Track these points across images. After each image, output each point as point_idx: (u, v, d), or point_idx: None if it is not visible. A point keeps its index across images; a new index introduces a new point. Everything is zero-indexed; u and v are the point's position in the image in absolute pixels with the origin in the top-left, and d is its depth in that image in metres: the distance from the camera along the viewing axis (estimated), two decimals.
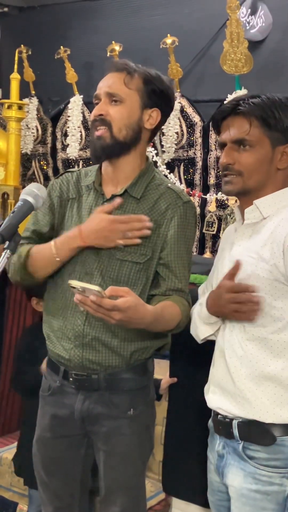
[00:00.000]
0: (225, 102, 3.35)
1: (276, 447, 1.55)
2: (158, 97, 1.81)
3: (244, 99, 1.62)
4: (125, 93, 1.76)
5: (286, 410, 1.55)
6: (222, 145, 1.67)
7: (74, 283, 1.52)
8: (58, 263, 1.80)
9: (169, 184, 1.86)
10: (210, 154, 3.53)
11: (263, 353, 1.56)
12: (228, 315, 1.62)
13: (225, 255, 1.73)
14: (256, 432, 1.57)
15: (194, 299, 1.86)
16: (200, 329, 1.75)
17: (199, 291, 1.89)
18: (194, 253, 3.59)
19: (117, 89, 1.76)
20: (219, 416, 1.66)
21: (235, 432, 1.60)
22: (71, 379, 1.82)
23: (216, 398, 1.67)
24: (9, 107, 3.85)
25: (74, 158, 4.12)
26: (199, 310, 1.74)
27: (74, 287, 1.52)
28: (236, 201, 2.98)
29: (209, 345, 1.78)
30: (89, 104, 4.05)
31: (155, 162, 3.65)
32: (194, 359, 2.31)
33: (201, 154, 3.64)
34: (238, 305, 1.56)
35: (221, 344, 1.67)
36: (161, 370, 2.61)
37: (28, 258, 1.81)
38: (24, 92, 4.13)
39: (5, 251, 1.58)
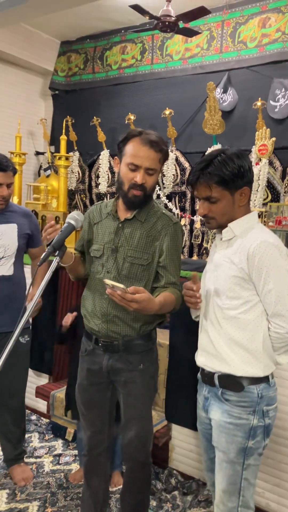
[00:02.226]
0: (206, 153, 3.37)
1: (244, 393, 1.54)
2: (166, 159, 1.79)
3: (203, 168, 1.54)
4: (158, 166, 1.73)
5: (250, 367, 1.54)
6: (198, 198, 1.65)
7: (107, 281, 1.51)
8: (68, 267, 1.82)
9: (164, 211, 1.84)
10: (195, 196, 3.52)
11: (234, 328, 1.55)
12: (187, 304, 1.67)
13: (210, 262, 1.71)
14: (230, 382, 1.56)
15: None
16: (192, 312, 1.76)
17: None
18: (186, 256, 3.61)
19: (155, 166, 1.71)
20: (205, 371, 1.65)
21: (216, 382, 1.59)
22: (100, 344, 1.82)
23: (203, 359, 1.65)
24: (60, 158, 3.88)
25: (103, 192, 4.14)
26: None
27: (107, 284, 1.51)
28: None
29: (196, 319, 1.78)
30: (113, 155, 4.05)
31: (158, 195, 3.67)
32: (186, 329, 2.31)
33: (190, 189, 3.65)
34: (187, 297, 1.63)
35: (204, 323, 1.66)
36: (164, 336, 2.61)
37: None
38: (69, 148, 4.17)
39: (55, 257, 1.59)
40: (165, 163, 1.88)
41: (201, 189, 1.57)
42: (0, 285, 2.27)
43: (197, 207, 3.59)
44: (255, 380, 1.54)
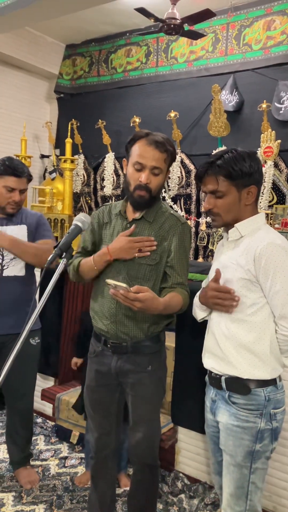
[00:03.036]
0: (211, 154, 3.38)
1: (251, 396, 1.53)
2: (173, 160, 1.79)
3: (213, 161, 1.54)
4: (163, 166, 1.73)
5: (257, 370, 1.53)
6: (204, 193, 1.64)
7: (109, 281, 1.51)
8: (96, 271, 1.80)
9: (172, 211, 1.84)
10: (202, 191, 3.53)
11: (241, 330, 1.54)
12: (212, 306, 1.61)
13: (216, 262, 1.70)
14: (237, 385, 1.55)
15: (192, 290, 1.83)
16: (197, 313, 1.74)
17: (202, 285, 1.83)
18: (191, 259, 3.61)
19: (160, 165, 1.71)
20: (212, 374, 1.64)
21: (223, 385, 1.58)
22: (109, 345, 1.81)
23: (210, 361, 1.64)
24: (65, 161, 3.90)
25: (108, 195, 4.15)
26: (196, 300, 1.72)
27: (109, 284, 1.51)
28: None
29: (203, 322, 1.76)
30: (118, 158, 4.07)
31: (164, 197, 3.67)
32: (192, 331, 2.30)
33: (195, 191, 3.66)
34: (220, 300, 1.55)
35: (211, 325, 1.65)
36: (169, 339, 2.60)
37: (79, 267, 1.84)
38: (74, 151, 4.18)
39: (62, 259, 1.59)
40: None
41: (208, 182, 1.57)
42: (12, 286, 2.28)
43: (202, 209, 3.60)
44: (262, 383, 1.53)
